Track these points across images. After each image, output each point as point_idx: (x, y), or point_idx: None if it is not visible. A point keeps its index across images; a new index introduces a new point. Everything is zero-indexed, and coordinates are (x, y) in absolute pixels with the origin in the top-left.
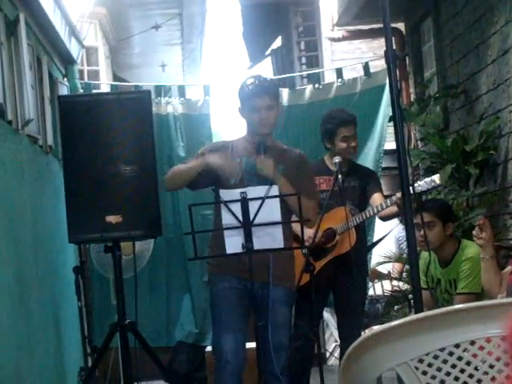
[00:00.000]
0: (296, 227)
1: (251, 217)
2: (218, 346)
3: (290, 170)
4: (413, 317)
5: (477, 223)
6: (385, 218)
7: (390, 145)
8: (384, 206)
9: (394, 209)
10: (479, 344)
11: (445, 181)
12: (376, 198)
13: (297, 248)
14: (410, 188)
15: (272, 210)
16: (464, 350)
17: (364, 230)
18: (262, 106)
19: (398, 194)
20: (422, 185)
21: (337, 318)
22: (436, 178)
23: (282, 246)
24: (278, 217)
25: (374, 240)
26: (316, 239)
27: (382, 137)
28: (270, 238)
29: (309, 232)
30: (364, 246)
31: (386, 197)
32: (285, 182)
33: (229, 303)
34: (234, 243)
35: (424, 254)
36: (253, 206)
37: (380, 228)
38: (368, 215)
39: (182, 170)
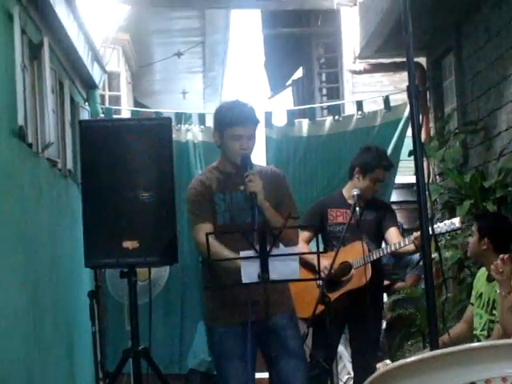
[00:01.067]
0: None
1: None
2: None
3: (269, 190)
4: (429, 354)
5: (499, 258)
6: (401, 255)
7: (409, 179)
8: (402, 244)
9: (411, 247)
10: (495, 383)
11: (462, 217)
12: (392, 233)
13: (311, 280)
14: (429, 226)
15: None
16: None
17: (380, 265)
18: (244, 135)
19: (416, 234)
20: (441, 226)
21: (351, 351)
22: (456, 221)
23: (298, 276)
24: (295, 258)
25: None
26: (331, 271)
27: (395, 168)
28: (286, 269)
29: (324, 263)
30: (379, 281)
31: (403, 231)
32: (271, 210)
33: (231, 354)
34: (250, 273)
35: (482, 269)
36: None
37: None
38: (385, 252)
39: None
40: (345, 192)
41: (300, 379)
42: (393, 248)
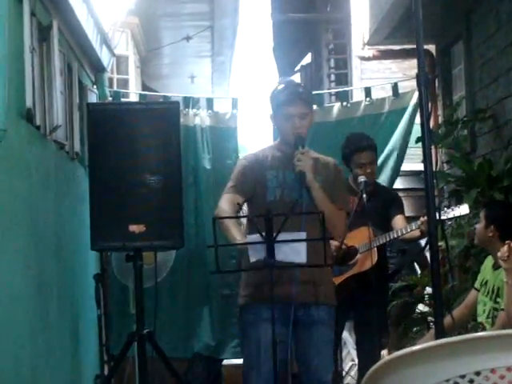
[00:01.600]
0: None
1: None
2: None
3: (326, 180)
4: (434, 342)
5: (504, 246)
6: (407, 241)
7: (417, 166)
8: (408, 230)
9: (417, 233)
10: (500, 373)
11: (469, 205)
12: (398, 221)
13: (318, 266)
14: (436, 212)
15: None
16: (485, 378)
17: (385, 251)
18: (295, 114)
19: (422, 219)
20: (449, 212)
21: (356, 337)
22: (465, 207)
23: (304, 260)
24: (304, 254)
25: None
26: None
27: (399, 158)
28: (292, 251)
29: (334, 243)
30: (385, 266)
31: (409, 218)
32: (320, 191)
33: (262, 341)
34: (257, 252)
35: (490, 256)
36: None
37: None
38: (391, 237)
39: (226, 231)
40: (350, 180)
41: (322, 369)
42: (399, 233)
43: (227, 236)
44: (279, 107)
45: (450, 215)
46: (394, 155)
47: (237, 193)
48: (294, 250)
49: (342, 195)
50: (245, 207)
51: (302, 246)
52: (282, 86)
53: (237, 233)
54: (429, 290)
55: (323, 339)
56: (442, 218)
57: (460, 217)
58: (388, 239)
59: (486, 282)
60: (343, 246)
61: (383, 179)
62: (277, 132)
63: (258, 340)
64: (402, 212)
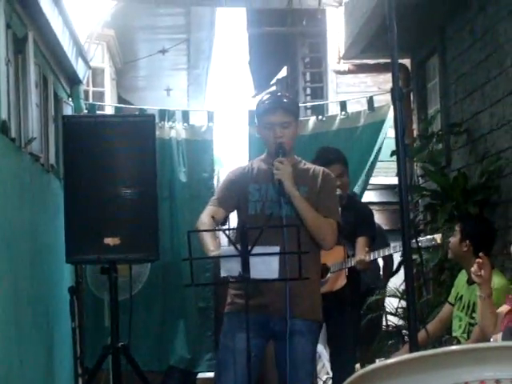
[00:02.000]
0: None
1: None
2: None
3: (313, 190)
4: (408, 355)
5: (476, 261)
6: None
7: (391, 180)
8: (346, 265)
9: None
10: None
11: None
12: (359, 244)
13: (291, 279)
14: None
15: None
16: None
17: (357, 271)
18: (276, 123)
19: (357, 258)
20: (422, 241)
21: (330, 350)
22: (438, 237)
23: (276, 276)
24: (276, 270)
25: None
26: None
27: (370, 171)
28: (265, 268)
29: None
30: (356, 285)
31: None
32: (301, 200)
33: (237, 349)
34: (229, 268)
35: (464, 270)
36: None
37: None
38: (353, 263)
39: (202, 242)
40: None
41: None
42: (342, 266)
43: (202, 248)
44: (262, 116)
45: (423, 245)
46: (365, 168)
47: (219, 206)
48: (266, 266)
49: (330, 204)
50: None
51: (275, 262)
52: (267, 95)
53: (211, 245)
54: (403, 303)
55: (301, 352)
56: (415, 246)
57: (434, 246)
58: (353, 263)
59: (460, 297)
60: None
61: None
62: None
63: (233, 349)
64: (365, 233)
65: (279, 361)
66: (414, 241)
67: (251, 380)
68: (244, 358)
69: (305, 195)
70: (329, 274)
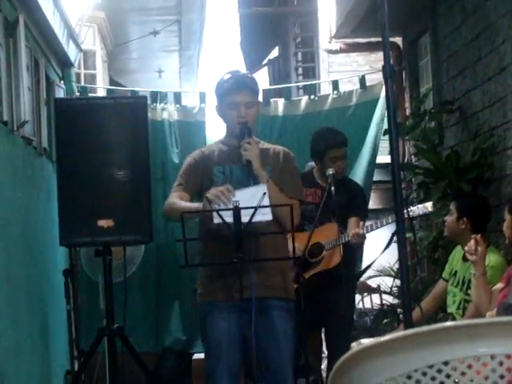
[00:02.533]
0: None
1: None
2: (213, 381)
3: (276, 170)
4: (402, 333)
5: (472, 237)
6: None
7: (384, 159)
8: (343, 240)
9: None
10: (468, 362)
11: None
12: (350, 224)
13: (285, 259)
14: (403, 205)
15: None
16: (453, 368)
17: (351, 247)
18: (241, 103)
19: (353, 231)
20: (414, 210)
21: (324, 330)
22: (429, 205)
23: (270, 217)
24: (269, 218)
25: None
26: (305, 251)
27: (375, 150)
28: (257, 212)
29: (297, 244)
30: (351, 262)
31: (377, 211)
32: (265, 177)
33: (223, 338)
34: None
35: (459, 246)
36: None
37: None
38: (348, 237)
39: (181, 209)
40: (315, 172)
41: (283, 364)
42: (337, 243)
43: (185, 213)
44: (224, 96)
45: (415, 214)
46: (368, 149)
47: (183, 191)
48: (260, 212)
49: (293, 184)
50: None
51: (266, 203)
52: (228, 75)
53: (191, 204)
54: (398, 282)
55: (282, 332)
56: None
57: (426, 214)
58: (341, 242)
59: (455, 273)
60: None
61: (359, 173)
62: None
63: (219, 337)
64: (358, 213)
65: (260, 339)
66: (405, 215)
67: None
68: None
69: (269, 175)
70: (324, 252)
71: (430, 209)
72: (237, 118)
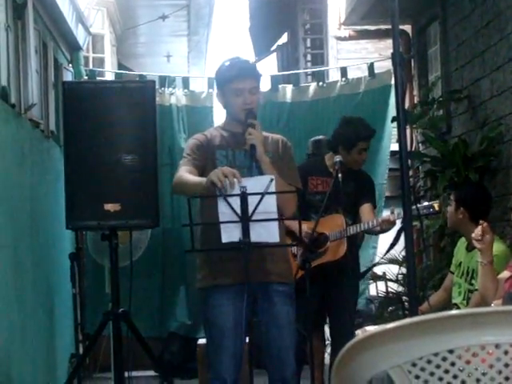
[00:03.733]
0: (291, 223)
1: (250, 211)
2: (216, 367)
3: (275, 157)
4: (408, 320)
5: (480, 223)
6: (376, 233)
7: (392, 146)
8: (370, 225)
9: (377, 229)
10: (473, 350)
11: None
12: (365, 210)
13: (291, 245)
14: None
15: (268, 203)
16: (458, 356)
17: (355, 238)
18: (246, 89)
19: (385, 217)
20: (420, 208)
21: (328, 318)
22: (436, 205)
23: (277, 239)
24: (274, 209)
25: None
26: (311, 238)
27: (390, 138)
28: (265, 231)
29: (306, 227)
30: (355, 252)
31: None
32: (270, 166)
33: (226, 323)
34: (230, 233)
35: (463, 238)
36: (250, 199)
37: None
38: (358, 229)
39: (187, 185)
40: (327, 160)
41: (285, 348)
42: (362, 228)
43: (190, 188)
44: (228, 83)
45: (422, 212)
46: (384, 137)
47: (193, 166)
48: (266, 229)
49: (291, 171)
50: None
51: (274, 225)
52: (229, 62)
53: (199, 179)
54: (404, 269)
55: (284, 317)
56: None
57: (432, 214)
58: (357, 230)
59: (459, 264)
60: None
61: (376, 161)
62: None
63: (221, 322)
64: (369, 200)
65: (262, 324)
66: (414, 207)
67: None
68: (235, 331)
69: (270, 160)
70: (328, 243)
71: (436, 208)
72: (242, 104)
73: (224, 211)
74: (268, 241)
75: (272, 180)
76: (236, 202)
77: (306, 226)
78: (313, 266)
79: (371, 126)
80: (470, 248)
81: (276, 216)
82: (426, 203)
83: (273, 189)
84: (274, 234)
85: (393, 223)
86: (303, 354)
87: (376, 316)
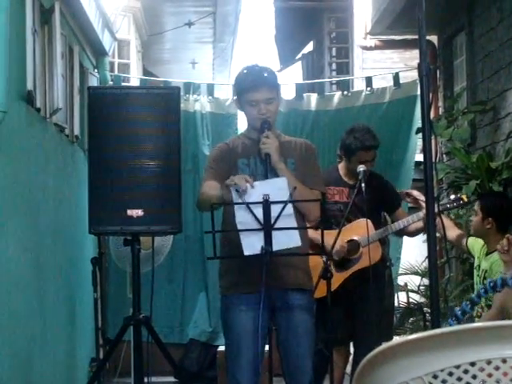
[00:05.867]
0: (314, 234)
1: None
2: (233, 372)
3: (298, 162)
4: (430, 332)
5: (506, 237)
6: (411, 234)
7: (417, 157)
8: (410, 221)
9: (420, 224)
10: (495, 364)
11: (468, 197)
12: (400, 212)
13: (315, 254)
14: (435, 205)
15: (286, 208)
16: (480, 369)
17: (384, 243)
18: (261, 100)
19: (424, 211)
20: (448, 201)
21: (354, 329)
22: (464, 196)
23: (299, 243)
24: (291, 211)
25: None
26: (340, 249)
27: (415, 149)
28: (286, 237)
29: (330, 243)
30: (384, 259)
31: (408, 209)
32: (287, 172)
33: (244, 329)
34: (251, 244)
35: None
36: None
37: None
38: (394, 229)
39: (211, 198)
40: (340, 169)
41: (303, 357)
42: (401, 225)
43: (211, 201)
44: (243, 93)
45: (450, 205)
46: (409, 147)
47: (213, 179)
48: (287, 235)
49: (315, 175)
50: None
51: (295, 231)
52: (246, 70)
53: (217, 192)
54: (425, 280)
55: (302, 325)
56: (443, 207)
57: (461, 205)
58: (391, 231)
59: (478, 266)
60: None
61: (399, 172)
62: None
63: (240, 329)
64: (399, 204)
65: (281, 332)
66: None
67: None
68: (251, 337)
69: (292, 167)
70: (361, 249)
71: (465, 199)
72: (257, 114)
73: (241, 221)
74: (290, 245)
75: (286, 181)
76: (256, 210)
77: (330, 240)
78: (349, 274)
79: (377, 138)
80: (489, 252)
81: (293, 218)
82: (453, 196)
83: (287, 190)
84: (295, 237)
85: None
86: (325, 366)
87: (397, 327)
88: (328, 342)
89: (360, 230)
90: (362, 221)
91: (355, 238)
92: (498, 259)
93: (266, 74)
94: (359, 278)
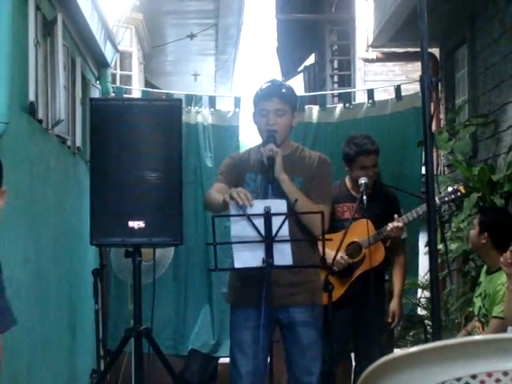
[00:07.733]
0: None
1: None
2: (235, 382)
3: (307, 179)
4: (431, 344)
5: (509, 250)
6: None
7: None
8: (410, 218)
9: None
10: (496, 376)
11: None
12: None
13: (314, 267)
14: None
15: (282, 229)
16: (480, 382)
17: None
18: (270, 110)
19: (391, 225)
20: (446, 193)
21: (354, 340)
22: (461, 187)
23: (290, 262)
24: (286, 233)
25: None
26: (339, 260)
27: (420, 162)
28: (280, 255)
29: (331, 254)
30: (386, 261)
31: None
32: (289, 184)
33: (245, 340)
34: (242, 258)
35: None
36: (259, 221)
37: None
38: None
39: (214, 201)
40: (348, 183)
41: (307, 370)
42: (406, 220)
43: (213, 205)
44: (257, 103)
45: (449, 199)
46: (414, 159)
47: (222, 182)
48: (280, 253)
49: (322, 190)
50: None
51: (287, 247)
52: (265, 83)
53: (220, 197)
54: (426, 293)
55: (306, 341)
56: (441, 201)
57: (459, 198)
58: (383, 235)
59: (479, 284)
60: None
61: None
62: None
63: (240, 342)
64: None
65: (286, 347)
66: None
67: (263, 371)
68: (255, 351)
69: (299, 185)
70: (363, 250)
71: (463, 191)
72: (265, 125)
73: (235, 235)
74: (284, 264)
75: (285, 204)
76: (256, 224)
77: (332, 251)
78: (355, 277)
79: (375, 143)
80: (489, 272)
81: (288, 239)
82: (450, 188)
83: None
84: (287, 257)
85: (401, 229)
86: (327, 379)
87: (398, 339)
88: (331, 357)
89: (360, 231)
90: (361, 221)
91: (356, 239)
92: (493, 281)
93: (281, 87)
94: (362, 281)
